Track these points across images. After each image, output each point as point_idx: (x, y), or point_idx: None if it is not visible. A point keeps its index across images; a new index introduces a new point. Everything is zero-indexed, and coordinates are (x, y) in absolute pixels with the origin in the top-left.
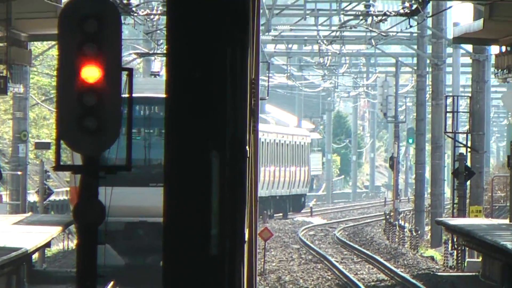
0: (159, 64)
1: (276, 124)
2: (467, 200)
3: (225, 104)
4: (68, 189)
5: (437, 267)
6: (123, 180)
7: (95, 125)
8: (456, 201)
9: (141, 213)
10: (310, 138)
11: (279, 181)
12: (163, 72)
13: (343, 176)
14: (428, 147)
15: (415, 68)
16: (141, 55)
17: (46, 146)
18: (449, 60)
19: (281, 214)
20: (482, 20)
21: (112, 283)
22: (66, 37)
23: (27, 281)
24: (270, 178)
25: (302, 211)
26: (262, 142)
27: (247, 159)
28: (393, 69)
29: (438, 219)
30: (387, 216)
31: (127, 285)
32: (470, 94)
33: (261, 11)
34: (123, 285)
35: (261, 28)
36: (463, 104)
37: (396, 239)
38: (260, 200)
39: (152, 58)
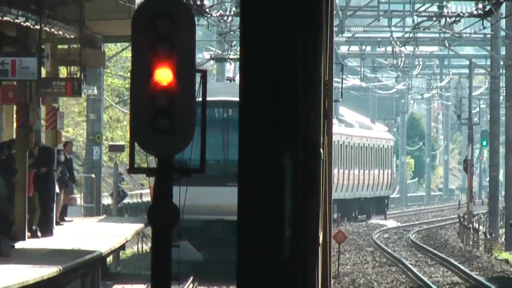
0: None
1: (360, 128)
2: None
3: (298, 106)
4: (142, 191)
5: (511, 270)
6: (201, 180)
7: (168, 126)
8: None
9: (218, 212)
10: (393, 141)
11: (364, 183)
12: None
13: (417, 179)
14: (502, 149)
15: (489, 69)
16: (216, 59)
17: (120, 148)
18: None
19: (364, 215)
20: None
21: (191, 278)
22: (140, 38)
23: (102, 284)
24: (355, 181)
25: (389, 212)
26: (347, 145)
27: (321, 161)
28: (466, 70)
29: None
30: (461, 219)
31: (206, 279)
32: None
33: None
34: (201, 280)
35: (335, 29)
36: None
37: (471, 242)
38: (345, 203)
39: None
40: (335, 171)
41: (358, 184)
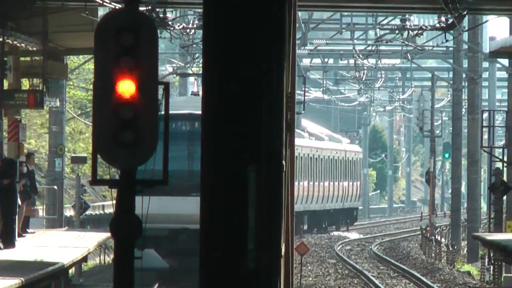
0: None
1: (329, 141)
2: (504, 215)
3: (260, 119)
4: (105, 203)
5: (474, 282)
6: (167, 190)
7: (131, 138)
8: (492, 215)
9: (184, 221)
10: (362, 153)
11: (333, 195)
12: None
13: (379, 191)
14: (464, 161)
15: (451, 82)
16: (180, 74)
17: (82, 160)
18: (485, 75)
19: (334, 226)
20: None
21: (157, 284)
22: (103, 51)
23: None
24: (325, 193)
25: (355, 223)
26: (316, 158)
27: (284, 173)
28: (429, 83)
29: (475, 234)
30: (424, 231)
31: (171, 286)
32: (506, 109)
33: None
34: (167, 287)
35: (297, 42)
36: (500, 119)
37: (433, 254)
38: (314, 214)
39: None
40: (305, 183)
41: (328, 196)
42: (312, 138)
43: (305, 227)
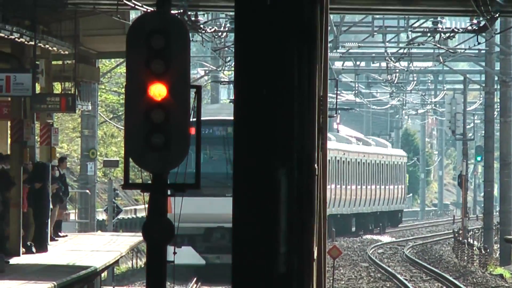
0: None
1: (376, 146)
2: None
3: (293, 122)
4: (137, 207)
5: (506, 285)
6: (204, 191)
7: (162, 142)
8: None
9: (219, 220)
10: (406, 158)
11: (380, 198)
12: None
13: (411, 194)
14: (496, 164)
15: (483, 85)
16: (215, 81)
17: (114, 164)
18: None
19: (378, 228)
20: None
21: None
22: (134, 54)
23: None
24: (372, 196)
25: (399, 225)
26: (364, 163)
27: (316, 176)
28: (461, 86)
29: (508, 237)
30: (456, 234)
31: (208, 281)
32: None
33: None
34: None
35: (329, 45)
36: None
37: (465, 257)
38: (362, 216)
39: (221, 75)
40: (353, 187)
41: (375, 199)
42: (359, 143)
43: (353, 229)
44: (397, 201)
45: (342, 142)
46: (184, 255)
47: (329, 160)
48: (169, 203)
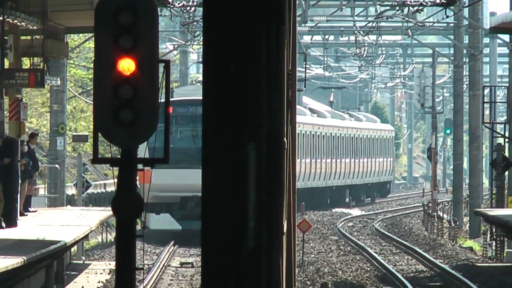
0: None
1: (367, 121)
2: (506, 191)
3: (261, 96)
4: (106, 181)
5: (476, 257)
6: (180, 163)
7: (131, 117)
8: (494, 191)
9: (193, 189)
10: (394, 132)
11: (370, 170)
12: None
13: None
14: (466, 137)
15: (452, 58)
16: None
17: (83, 138)
18: (486, 50)
19: (369, 199)
20: None
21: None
22: (102, 30)
23: (66, 275)
24: (364, 169)
25: (388, 196)
26: (357, 138)
27: (285, 151)
28: (430, 59)
29: (477, 209)
30: (426, 207)
31: (183, 245)
32: (507, 84)
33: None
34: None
35: (298, 19)
36: (501, 95)
37: (435, 230)
38: (355, 188)
39: (193, 56)
40: (346, 160)
41: (366, 171)
42: (352, 119)
43: (347, 200)
44: (386, 173)
45: (336, 118)
46: (162, 222)
47: (323, 136)
48: (149, 174)
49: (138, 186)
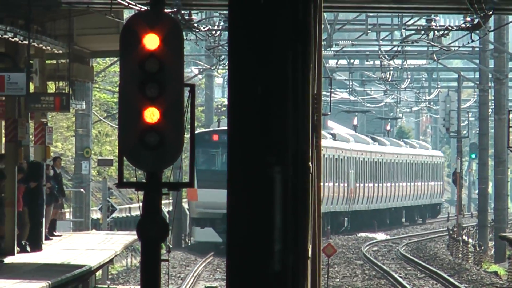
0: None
1: (420, 148)
2: None
3: (287, 119)
4: (131, 205)
5: (501, 282)
6: (223, 182)
7: (156, 140)
8: None
9: None
10: (444, 158)
11: (424, 193)
12: None
13: None
14: (491, 162)
15: (478, 82)
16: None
17: (108, 162)
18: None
19: (421, 219)
20: None
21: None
22: (128, 53)
23: None
24: (417, 192)
25: (438, 216)
26: (412, 163)
27: (310, 174)
28: (455, 83)
29: (502, 234)
30: (451, 232)
31: (222, 255)
32: None
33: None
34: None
35: (323, 43)
36: None
37: (460, 255)
38: (410, 209)
39: (218, 80)
40: (403, 184)
41: (420, 194)
42: (407, 146)
43: (403, 219)
44: (436, 195)
45: (394, 145)
46: (206, 234)
47: (385, 162)
48: (196, 192)
49: (187, 202)
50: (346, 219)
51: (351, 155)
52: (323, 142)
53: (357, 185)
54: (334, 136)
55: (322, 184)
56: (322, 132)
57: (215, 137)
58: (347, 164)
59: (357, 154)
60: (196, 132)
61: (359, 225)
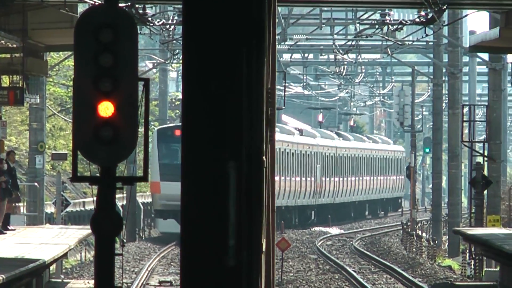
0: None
1: (382, 143)
2: (485, 210)
3: (240, 114)
4: (85, 200)
5: (455, 276)
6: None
7: (110, 136)
8: (473, 210)
9: None
10: (405, 153)
11: (386, 187)
12: None
13: None
14: (445, 156)
15: (432, 77)
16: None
17: (62, 157)
18: (466, 69)
19: (383, 212)
20: (498, 28)
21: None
22: (82, 47)
23: None
24: (380, 185)
25: (398, 210)
26: (375, 158)
27: (264, 169)
28: (409, 78)
29: (456, 228)
30: (405, 226)
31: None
32: (486, 103)
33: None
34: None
35: (277, 37)
36: (480, 113)
37: (414, 249)
38: (373, 202)
39: (173, 74)
40: (367, 178)
41: (382, 188)
42: (370, 141)
43: (366, 212)
44: (398, 189)
45: (358, 140)
46: (169, 226)
47: (349, 157)
48: (159, 185)
49: (150, 195)
50: (313, 212)
51: (317, 150)
52: (291, 138)
53: (323, 179)
54: (301, 132)
55: (289, 178)
56: (289, 128)
57: (177, 132)
58: (313, 159)
59: (323, 149)
60: (159, 127)
61: (325, 218)
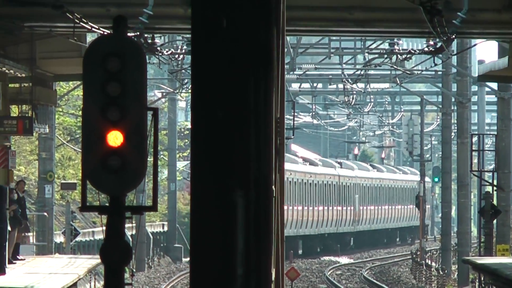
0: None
1: (410, 174)
2: (494, 239)
3: (249, 144)
4: (95, 229)
5: None
6: None
7: (119, 164)
8: (482, 239)
9: None
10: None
11: (402, 216)
12: None
13: None
14: (454, 185)
15: (440, 106)
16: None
17: (71, 186)
18: (474, 98)
19: (400, 241)
20: (507, 58)
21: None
22: (90, 76)
23: None
24: (397, 214)
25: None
26: (394, 188)
27: (273, 198)
28: (418, 107)
29: (465, 257)
30: (414, 255)
31: None
32: (495, 132)
33: (285, 49)
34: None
35: (286, 66)
36: (489, 142)
37: (423, 278)
38: (392, 231)
39: (182, 104)
40: (385, 207)
41: (400, 216)
42: (400, 172)
43: (385, 240)
44: (413, 218)
45: (390, 172)
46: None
47: (383, 187)
48: None
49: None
50: (352, 238)
51: (356, 181)
52: (333, 171)
53: (361, 208)
54: (341, 165)
55: (331, 208)
56: (330, 161)
57: None
58: (352, 189)
59: (361, 181)
60: None
61: (363, 243)
